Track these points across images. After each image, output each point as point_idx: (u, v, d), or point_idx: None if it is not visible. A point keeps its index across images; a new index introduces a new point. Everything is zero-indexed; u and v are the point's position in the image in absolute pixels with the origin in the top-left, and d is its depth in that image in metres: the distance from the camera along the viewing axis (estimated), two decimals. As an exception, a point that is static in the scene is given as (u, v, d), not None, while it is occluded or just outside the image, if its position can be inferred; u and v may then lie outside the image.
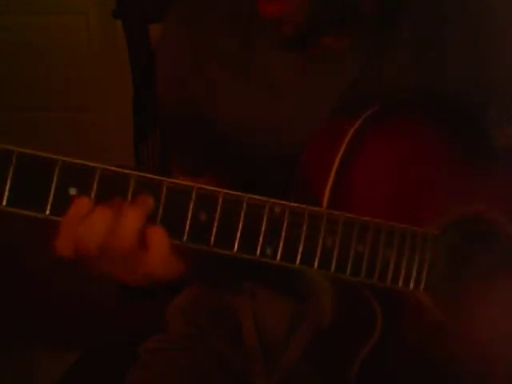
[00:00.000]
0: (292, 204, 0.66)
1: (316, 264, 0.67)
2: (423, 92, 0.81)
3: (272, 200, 0.65)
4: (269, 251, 0.65)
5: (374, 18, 0.82)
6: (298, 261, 0.66)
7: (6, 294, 1.88)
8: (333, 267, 0.68)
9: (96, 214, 0.59)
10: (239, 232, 0.64)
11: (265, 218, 0.65)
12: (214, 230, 0.63)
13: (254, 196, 0.64)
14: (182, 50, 0.87)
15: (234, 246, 0.64)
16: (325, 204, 0.70)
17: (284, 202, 0.65)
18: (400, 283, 0.71)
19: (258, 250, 0.65)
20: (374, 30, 0.83)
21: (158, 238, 0.62)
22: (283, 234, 0.65)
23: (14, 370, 1.81)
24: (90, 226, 0.59)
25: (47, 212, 0.59)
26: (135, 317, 1.13)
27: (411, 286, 0.71)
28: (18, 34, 2.32)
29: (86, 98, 2.45)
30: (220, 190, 0.63)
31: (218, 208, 0.63)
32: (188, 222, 0.63)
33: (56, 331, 1.85)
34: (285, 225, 0.65)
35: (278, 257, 0.66)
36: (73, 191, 0.59)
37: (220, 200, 0.63)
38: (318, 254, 0.67)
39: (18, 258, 1.96)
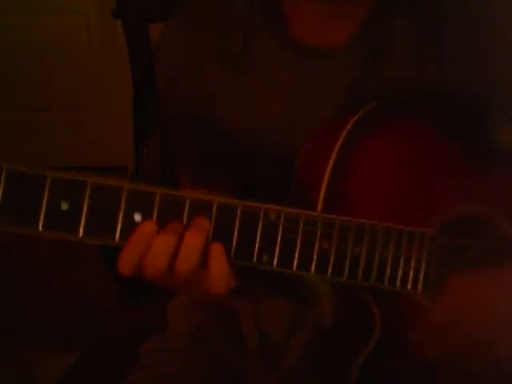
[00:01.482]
0: (287, 209, 0.65)
1: (313, 269, 0.67)
2: (423, 92, 0.81)
3: (266, 206, 0.65)
4: (265, 258, 0.65)
5: None
6: (294, 266, 0.66)
7: (6, 293, 1.88)
8: (330, 271, 0.68)
9: (159, 240, 0.60)
10: (235, 239, 0.64)
11: (260, 224, 0.65)
12: (210, 238, 0.63)
13: (249, 202, 0.64)
14: (182, 50, 0.87)
15: (231, 253, 0.64)
16: (319, 206, 0.70)
17: (279, 208, 0.65)
18: (397, 284, 0.71)
19: (255, 257, 0.65)
20: (372, 28, 0.83)
21: (218, 255, 0.63)
22: (279, 239, 0.65)
23: (13, 370, 1.81)
24: (153, 251, 0.61)
25: (40, 228, 0.58)
26: (135, 317, 1.13)
27: (409, 286, 0.71)
28: (18, 34, 2.32)
29: (86, 98, 2.45)
30: (214, 197, 0.63)
31: (213, 216, 0.63)
32: None
33: (56, 331, 1.85)
34: (280, 230, 0.65)
35: (275, 263, 0.66)
36: (64, 206, 0.59)
37: (214, 208, 0.63)
38: (315, 258, 0.67)
39: (18, 258, 1.96)
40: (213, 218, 0.63)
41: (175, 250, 0.61)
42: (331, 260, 0.67)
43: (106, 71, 2.35)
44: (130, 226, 0.61)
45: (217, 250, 0.63)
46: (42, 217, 0.58)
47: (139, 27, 1.11)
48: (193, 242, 0.61)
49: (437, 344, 0.74)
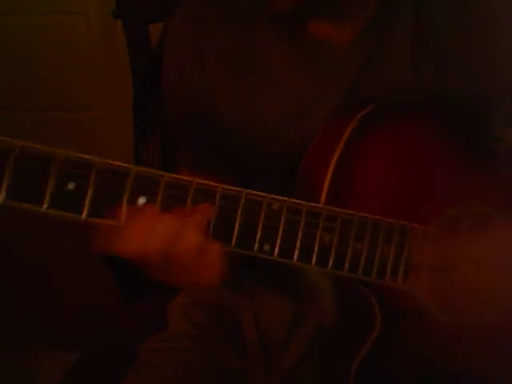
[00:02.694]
0: (290, 200, 0.66)
1: (314, 261, 0.67)
2: (424, 92, 0.82)
3: (270, 196, 0.65)
4: (266, 247, 0.66)
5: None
6: (295, 257, 0.67)
7: (6, 293, 1.88)
8: (330, 264, 0.68)
9: (162, 223, 0.61)
10: (237, 227, 0.64)
11: (263, 214, 0.65)
12: (212, 225, 0.64)
13: (253, 192, 0.65)
14: (185, 49, 0.88)
15: (232, 241, 0.64)
16: (323, 201, 0.70)
17: (282, 198, 0.66)
18: (399, 280, 0.71)
19: (256, 246, 0.65)
20: (373, 29, 0.83)
21: (215, 244, 0.63)
22: (281, 230, 0.66)
23: (13, 369, 1.81)
24: (156, 233, 0.61)
25: (44, 206, 0.59)
26: (135, 317, 1.13)
27: (409, 283, 0.71)
28: (17, 34, 2.32)
29: (86, 97, 2.44)
30: (218, 185, 0.64)
31: (216, 203, 0.63)
32: None
33: (56, 331, 1.85)
34: (282, 221, 0.66)
35: (276, 253, 0.66)
36: (71, 185, 0.59)
37: (218, 195, 0.63)
38: (316, 250, 0.67)
39: (18, 258, 1.96)
40: (216, 205, 0.63)
41: (176, 234, 0.61)
42: (332, 253, 0.67)
43: (106, 71, 2.34)
44: (134, 209, 0.61)
45: (215, 247, 0.63)
46: (47, 195, 0.58)
47: (139, 27, 1.11)
48: (194, 227, 0.61)
49: (438, 347, 0.74)
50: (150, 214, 0.61)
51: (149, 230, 0.61)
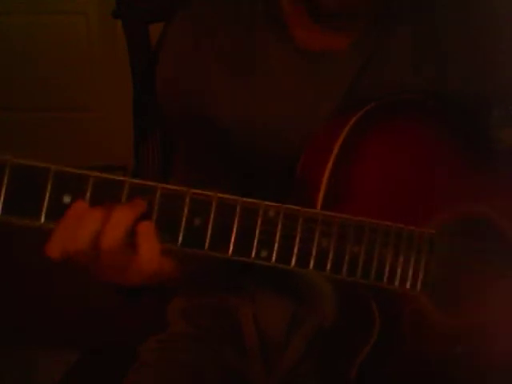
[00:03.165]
0: (286, 206, 0.66)
1: (311, 265, 0.67)
2: (424, 92, 0.82)
3: (266, 203, 0.65)
4: (264, 253, 0.66)
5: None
6: (293, 262, 0.67)
7: (6, 293, 1.88)
8: (328, 268, 0.68)
9: (86, 216, 0.60)
10: (234, 235, 0.64)
11: (259, 221, 0.65)
12: (209, 233, 0.64)
13: (248, 199, 0.65)
14: (185, 49, 0.88)
15: (229, 249, 0.64)
16: (319, 203, 0.70)
17: (278, 205, 0.66)
18: (396, 283, 0.71)
19: (253, 253, 0.65)
20: (373, 29, 0.83)
21: (146, 233, 0.62)
22: (278, 236, 0.66)
23: (14, 370, 1.81)
24: (79, 227, 0.60)
25: (42, 220, 0.59)
26: (135, 317, 1.13)
27: (408, 285, 0.71)
28: (18, 34, 2.32)
29: (86, 98, 2.45)
30: (214, 194, 0.64)
31: (212, 212, 0.63)
32: (182, 227, 0.63)
33: (56, 331, 1.85)
34: (279, 227, 0.66)
35: (273, 259, 0.66)
36: (67, 198, 0.60)
37: (214, 204, 0.63)
38: (314, 255, 0.67)
39: (18, 258, 1.96)
40: (212, 215, 0.63)
41: (101, 225, 0.60)
42: (330, 257, 0.68)
43: (106, 71, 2.35)
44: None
45: (145, 228, 0.61)
46: (44, 209, 0.59)
47: (139, 27, 1.11)
48: (120, 218, 0.60)
49: (438, 347, 0.74)
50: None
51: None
